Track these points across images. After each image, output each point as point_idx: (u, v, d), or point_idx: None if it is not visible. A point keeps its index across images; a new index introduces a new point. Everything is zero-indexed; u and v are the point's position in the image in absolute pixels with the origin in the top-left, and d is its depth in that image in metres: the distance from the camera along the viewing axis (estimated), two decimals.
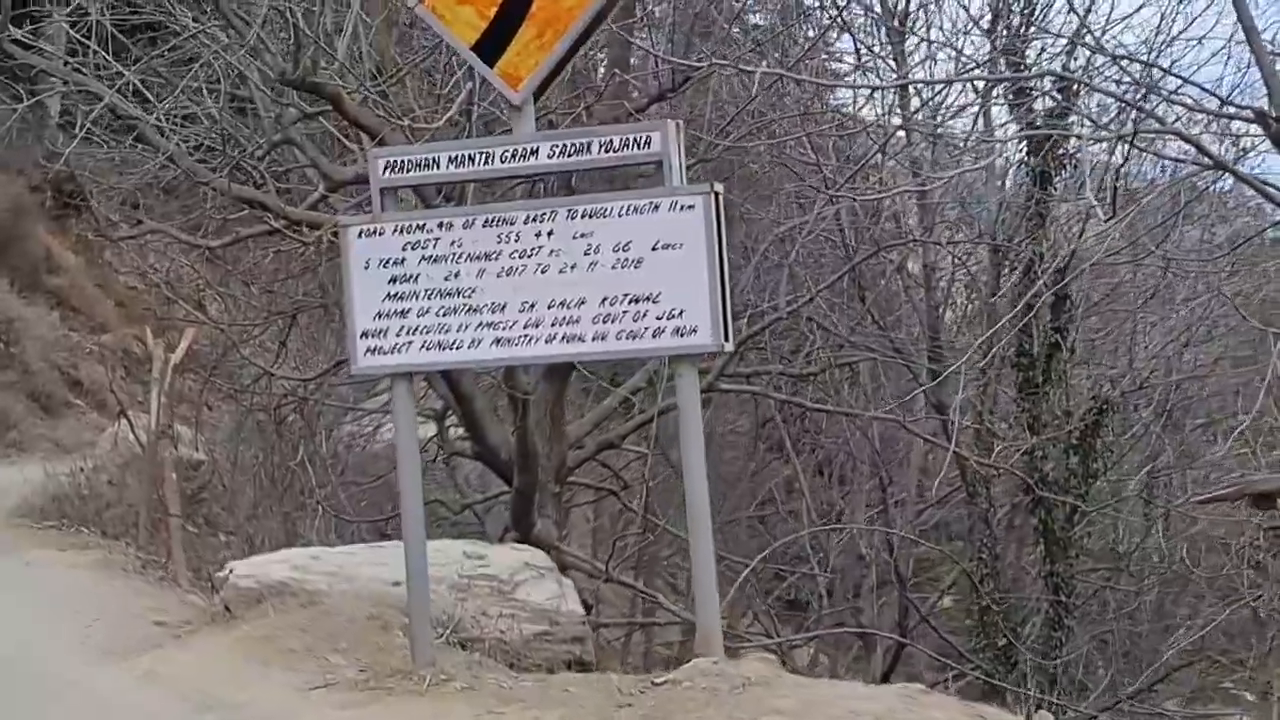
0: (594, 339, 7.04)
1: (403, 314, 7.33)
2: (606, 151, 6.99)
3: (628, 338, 6.99)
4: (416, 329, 7.31)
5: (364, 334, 7.41)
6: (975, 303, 22.41)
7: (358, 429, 21.74)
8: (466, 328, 7.23)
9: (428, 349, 7.30)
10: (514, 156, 7.14)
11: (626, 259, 6.97)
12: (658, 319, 6.93)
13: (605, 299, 7.00)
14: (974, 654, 20.30)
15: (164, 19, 14.54)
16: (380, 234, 7.36)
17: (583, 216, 7.05)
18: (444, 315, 7.26)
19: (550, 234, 7.09)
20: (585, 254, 7.04)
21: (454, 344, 7.26)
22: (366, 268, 7.39)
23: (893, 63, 20.08)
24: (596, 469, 18.17)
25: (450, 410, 16.20)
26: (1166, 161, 16.54)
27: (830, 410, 19.61)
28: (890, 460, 22.97)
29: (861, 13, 19.97)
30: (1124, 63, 11.29)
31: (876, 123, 19.57)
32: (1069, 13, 18.58)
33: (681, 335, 6.90)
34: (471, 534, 20.23)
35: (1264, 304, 20.98)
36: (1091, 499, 19.66)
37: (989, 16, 19.59)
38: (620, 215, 6.98)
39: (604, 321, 7.01)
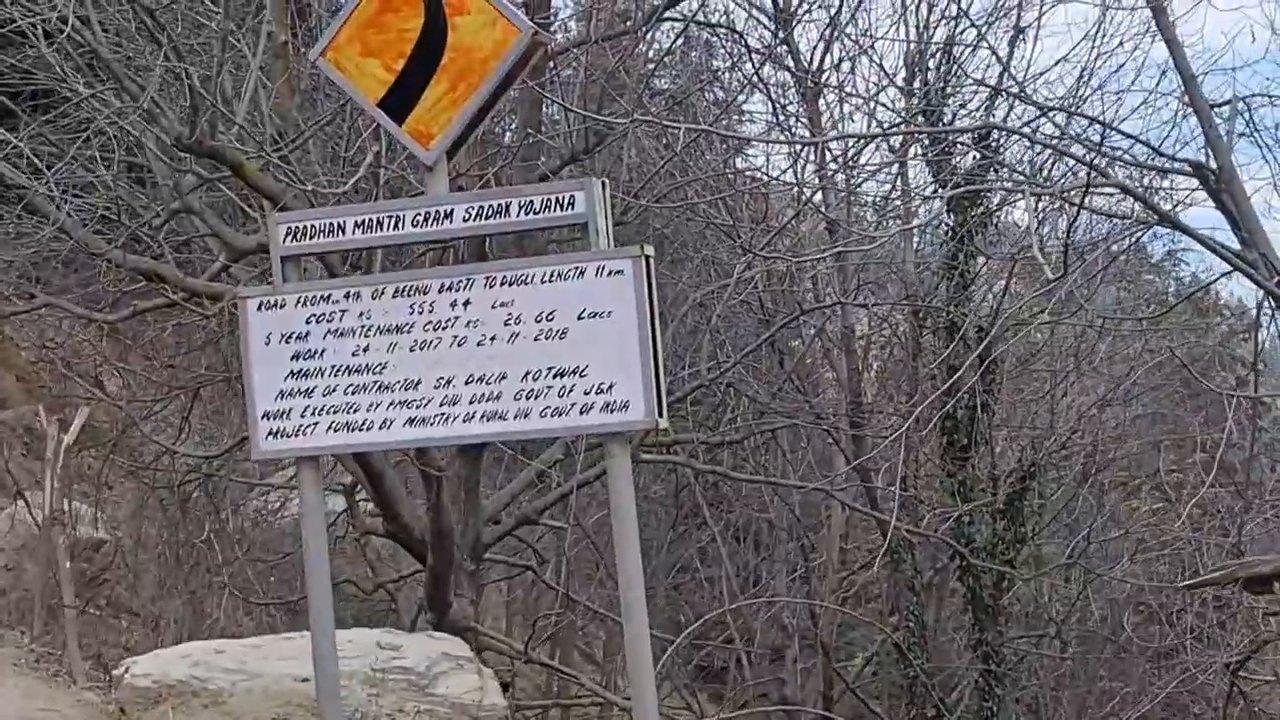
0: (516, 417, 6.47)
1: (307, 393, 6.73)
2: (526, 213, 6.45)
3: (553, 415, 6.42)
4: (323, 409, 6.71)
5: (265, 415, 6.80)
6: (896, 364, 22.04)
7: (264, 504, 21.14)
8: (377, 407, 6.64)
9: (335, 430, 6.70)
10: (427, 220, 6.58)
11: (550, 330, 6.42)
12: (585, 394, 6.38)
13: (528, 373, 6.44)
14: None
15: (55, 85, 13.90)
16: (281, 306, 6.77)
17: (502, 284, 6.49)
18: (352, 394, 6.67)
19: (467, 304, 6.53)
20: (506, 324, 6.48)
21: (364, 425, 6.67)
22: (267, 343, 6.79)
23: (807, 122, 19.76)
24: (510, 541, 17.62)
25: (360, 484, 15.60)
26: (1098, 217, 16.19)
27: (757, 480, 19.14)
28: (810, 526, 22.58)
29: (773, 73, 19.65)
30: (1051, 114, 10.87)
31: (795, 184, 19.19)
32: (988, 67, 18.37)
33: (612, 411, 6.35)
34: (383, 612, 19.67)
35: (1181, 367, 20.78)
36: (1020, 565, 19.29)
37: (904, 74, 19.31)
38: (543, 282, 6.43)
39: (527, 398, 6.45)
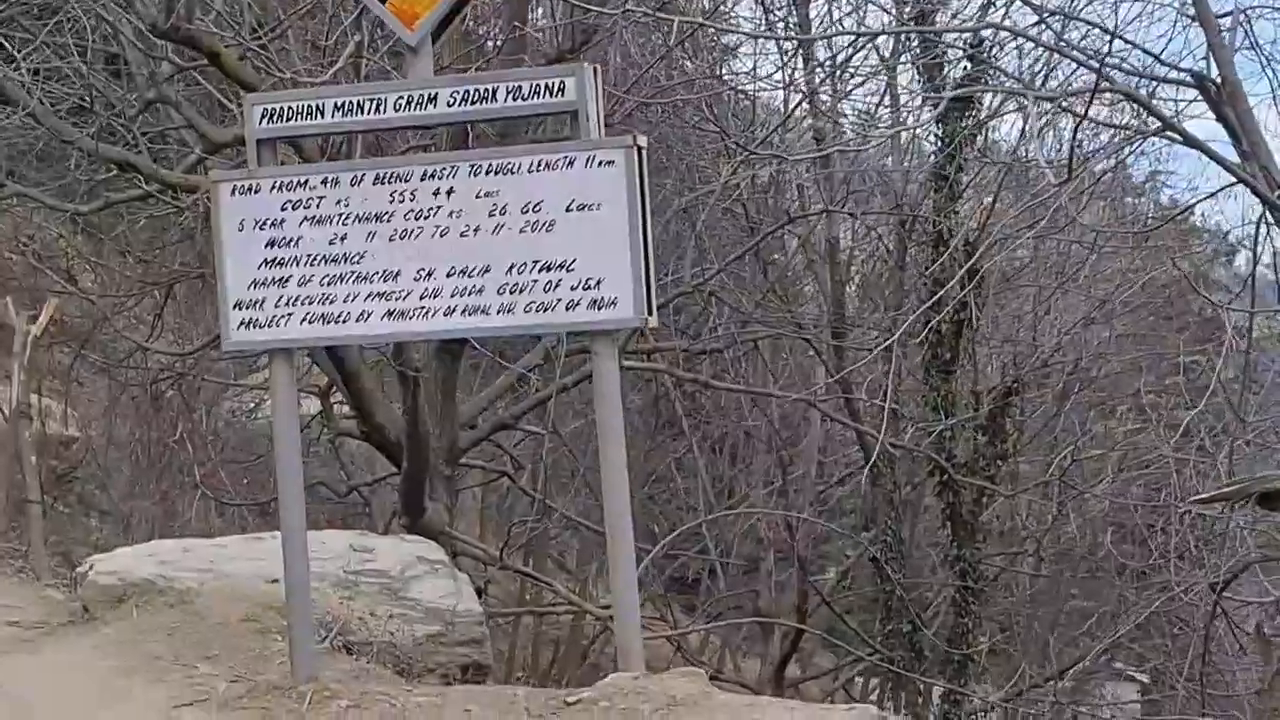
0: (499, 311, 6.20)
1: (282, 282, 6.45)
2: (515, 99, 6.16)
3: (538, 310, 6.16)
4: (297, 299, 6.43)
5: (238, 304, 6.52)
6: (881, 275, 21.77)
7: (239, 405, 20.90)
8: (354, 298, 6.36)
9: (310, 322, 6.42)
10: (409, 104, 6.28)
11: (537, 221, 6.15)
12: (572, 289, 6.11)
13: (512, 266, 6.17)
14: (878, 640, 19.76)
15: None
16: (256, 191, 6.47)
17: (487, 173, 6.21)
18: (329, 284, 6.39)
19: (450, 192, 6.25)
20: (490, 215, 6.20)
21: (340, 316, 6.39)
22: (240, 229, 6.50)
23: (797, 27, 19.37)
24: (486, 447, 17.36)
25: (335, 386, 15.30)
26: (1089, 131, 15.86)
27: (739, 390, 18.89)
28: (788, 439, 22.36)
29: None
30: (1049, 19, 10.53)
31: (782, 86, 18.82)
32: None
33: (599, 308, 6.09)
34: (357, 516, 19.45)
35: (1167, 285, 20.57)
36: (999, 482, 19.11)
37: None
38: (530, 171, 6.15)
39: (511, 292, 6.18)
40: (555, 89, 6.10)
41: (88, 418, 18.64)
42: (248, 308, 6.50)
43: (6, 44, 13.33)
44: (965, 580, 18.82)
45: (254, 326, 6.49)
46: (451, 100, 6.23)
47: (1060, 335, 19.93)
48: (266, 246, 6.46)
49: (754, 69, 21.50)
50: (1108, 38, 10.97)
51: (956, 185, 18.61)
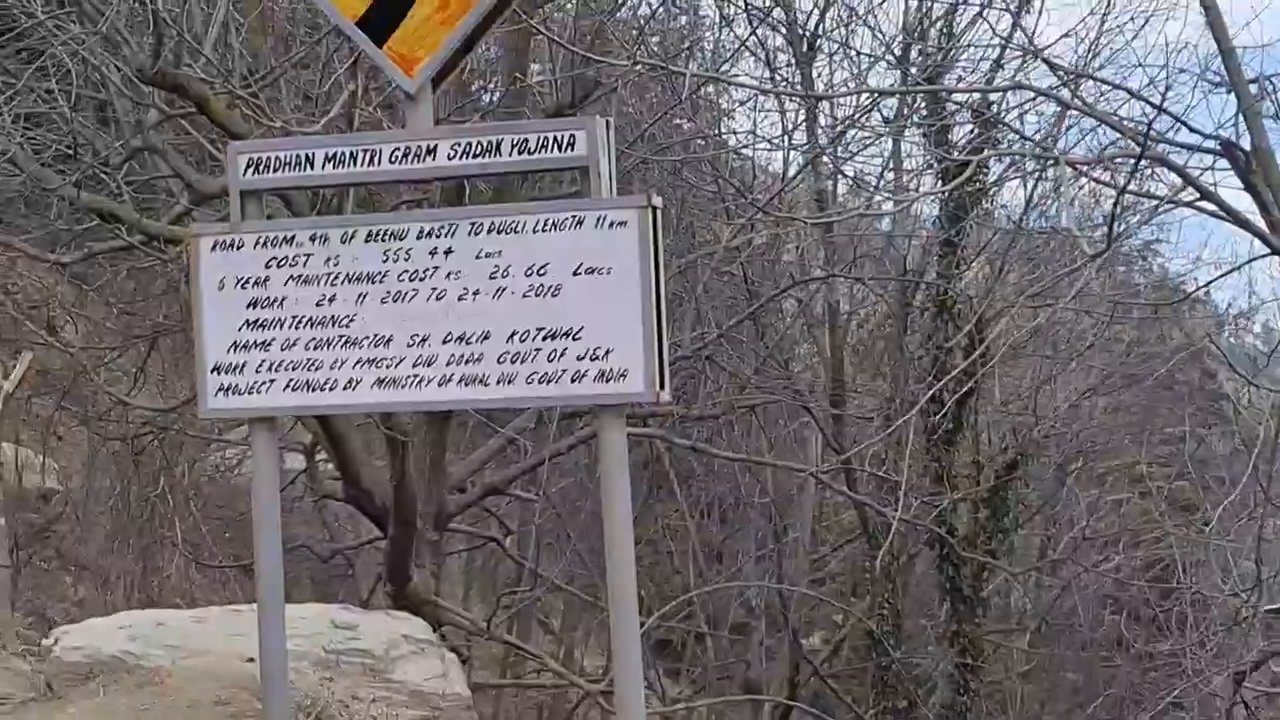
0: (499, 382, 5.72)
1: (264, 345, 5.97)
2: (521, 153, 5.70)
3: (541, 381, 5.68)
4: (281, 364, 5.95)
5: (216, 368, 6.03)
6: (879, 342, 21.38)
7: (221, 460, 20.48)
8: (342, 364, 5.88)
9: (294, 389, 5.94)
10: (406, 156, 5.81)
11: (542, 285, 5.67)
12: (579, 359, 5.64)
13: (514, 334, 5.70)
14: (872, 715, 19.31)
15: (12, 7, 13.09)
16: (239, 246, 6.00)
17: (489, 231, 5.74)
18: (315, 349, 5.91)
19: (449, 252, 5.78)
20: (491, 278, 5.73)
21: (326, 384, 5.91)
22: (221, 288, 6.02)
23: (799, 88, 19.01)
24: (473, 508, 16.90)
25: (320, 445, 14.84)
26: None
27: (738, 459, 18.44)
28: (778, 503, 21.94)
29: (766, 36, 18.85)
30: (1070, 82, 10.08)
31: (782, 146, 18.44)
32: (989, 43, 17.64)
33: (607, 380, 5.61)
34: (340, 579, 18.99)
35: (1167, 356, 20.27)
36: (1000, 555, 18.67)
37: (900, 43, 18.56)
38: (535, 231, 5.68)
39: (512, 361, 5.70)
40: (565, 143, 5.65)
41: (68, 470, 18.26)
42: (227, 372, 6.02)
43: None
44: (964, 656, 18.36)
45: (233, 393, 6.01)
46: (452, 153, 5.77)
47: (1064, 406, 19.52)
48: (249, 307, 5.98)
49: (754, 128, 21.13)
50: (1127, 98, 10.59)
51: (961, 251, 18.23)
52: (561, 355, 5.65)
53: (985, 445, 19.39)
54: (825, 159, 18.72)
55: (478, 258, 5.74)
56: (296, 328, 5.93)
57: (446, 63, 5.93)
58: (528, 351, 5.68)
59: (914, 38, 18.23)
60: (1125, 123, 10.65)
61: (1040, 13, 17.41)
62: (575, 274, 5.63)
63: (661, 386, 5.59)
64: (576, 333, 5.64)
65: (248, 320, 5.98)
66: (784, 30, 18.80)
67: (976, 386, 18.05)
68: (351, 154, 5.89)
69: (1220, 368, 24.88)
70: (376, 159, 5.86)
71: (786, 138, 19.11)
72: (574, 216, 5.65)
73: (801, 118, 18.69)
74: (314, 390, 5.92)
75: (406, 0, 5.85)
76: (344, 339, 5.88)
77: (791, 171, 18.48)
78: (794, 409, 20.25)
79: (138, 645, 7.96)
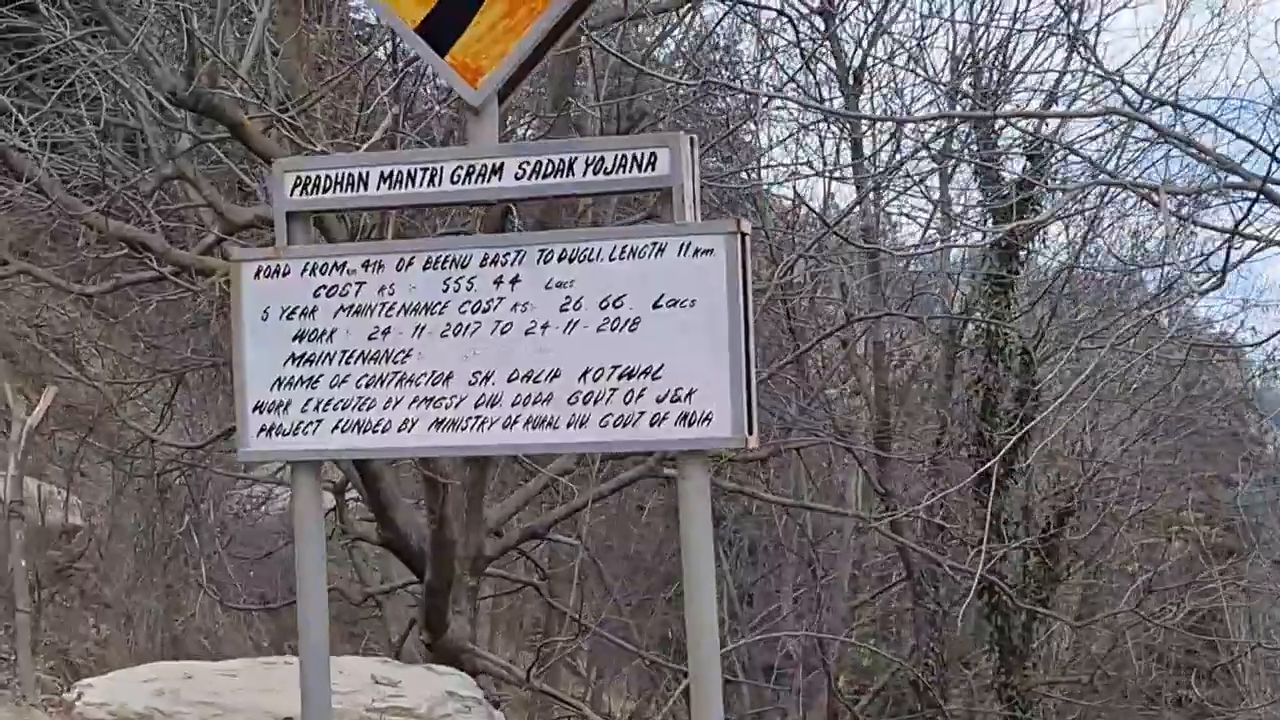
0: (570, 425, 5.18)
1: (311, 382, 5.44)
2: (596, 172, 5.17)
3: (617, 425, 5.14)
4: (329, 403, 5.41)
5: (258, 407, 5.49)
6: (927, 383, 20.82)
7: (248, 497, 20.01)
8: (397, 404, 5.35)
9: (343, 430, 5.40)
10: (470, 175, 5.28)
11: (618, 319, 5.14)
12: (658, 401, 5.10)
13: (587, 371, 5.16)
14: None
15: (33, 25, 12.65)
16: (284, 274, 5.47)
17: (560, 259, 5.21)
18: (367, 386, 5.38)
19: (515, 281, 5.25)
20: (562, 310, 5.20)
21: (379, 425, 5.37)
22: (265, 318, 5.49)
23: (846, 125, 18.55)
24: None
25: (352, 483, 14.31)
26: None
27: (788, 503, 17.89)
28: (821, 549, 21.43)
29: (811, 71, 18.37)
30: (1150, 109, 9.53)
31: (839, 177, 17.97)
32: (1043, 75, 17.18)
33: (690, 424, 5.07)
34: (368, 620, 18.48)
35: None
36: (1054, 606, 18.08)
37: (949, 77, 18.08)
38: (611, 259, 5.16)
39: (584, 402, 5.16)
40: (645, 162, 5.12)
41: (91, 507, 17.80)
42: (270, 411, 5.48)
43: (17, 113, 12.42)
44: (1012, 709, 17.76)
45: (276, 433, 5.48)
46: (520, 172, 5.24)
47: (1117, 452, 18.93)
48: (295, 339, 5.46)
49: (794, 161, 20.64)
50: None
51: (1013, 289, 17.71)
52: (639, 396, 5.13)
53: (1035, 491, 18.79)
54: (869, 196, 18.23)
55: (547, 287, 5.22)
56: (347, 363, 5.41)
57: (513, 74, 5.42)
58: (602, 391, 5.16)
59: (964, 69, 17.75)
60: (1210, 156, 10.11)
61: (1095, 45, 16.86)
62: (655, 306, 5.11)
63: (750, 431, 5.06)
64: (656, 371, 5.11)
65: (293, 354, 5.46)
66: (830, 64, 18.34)
67: (1029, 430, 17.46)
68: (409, 173, 5.36)
69: (1249, 412, 24.43)
70: (437, 179, 5.34)
71: (827, 171, 18.65)
72: (654, 243, 5.12)
73: (846, 155, 18.26)
74: (365, 432, 5.40)
75: (471, 6, 5.33)
76: (399, 376, 5.36)
77: (849, 210, 17.99)
78: (835, 451, 19.73)
79: (165, 701, 7.43)
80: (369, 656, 9.57)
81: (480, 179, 5.29)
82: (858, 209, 17.91)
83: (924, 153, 16.10)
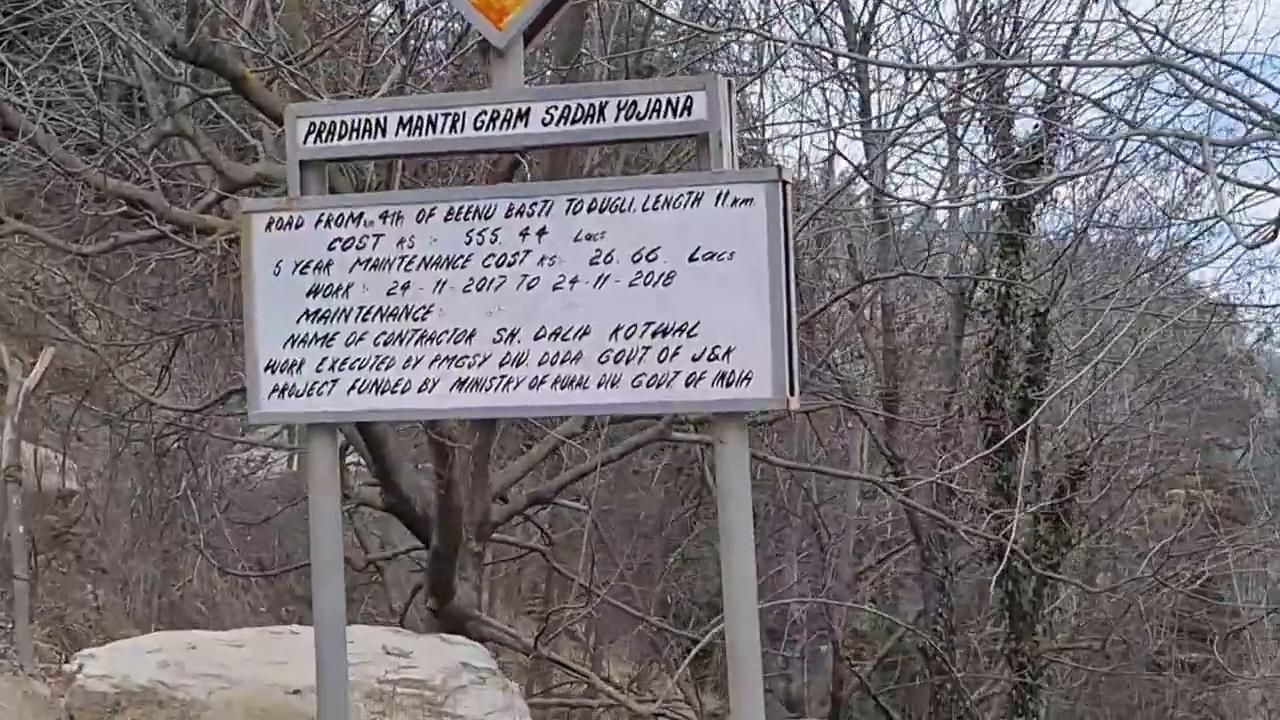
0: (601, 385, 4.90)
1: (326, 340, 5.15)
2: (628, 117, 4.87)
3: (650, 385, 4.86)
4: (345, 362, 5.13)
5: (270, 366, 5.21)
6: (931, 345, 20.56)
7: (245, 460, 19.76)
8: (417, 363, 5.06)
9: (360, 391, 5.11)
10: (494, 121, 4.99)
11: (652, 273, 4.86)
12: (694, 359, 4.82)
13: (619, 329, 4.88)
14: None
15: None
16: (298, 225, 5.18)
17: (590, 210, 4.92)
18: (385, 344, 5.09)
19: (542, 233, 4.96)
20: (591, 264, 4.91)
21: (398, 385, 5.09)
22: (277, 273, 5.20)
23: (855, 83, 18.25)
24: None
25: (352, 446, 14.00)
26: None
27: (804, 468, 17.61)
28: (826, 514, 21.22)
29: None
30: (1191, 59, 9.18)
31: (846, 132, 17.68)
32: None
33: (728, 384, 4.79)
34: (367, 586, 18.22)
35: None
36: (1063, 571, 17.83)
37: (958, 35, 17.77)
38: (645, 210, 4.87)
39: (616, 361, 4.88)
40: (680, 106, 4.83)
41: (88, 471, 17.56)
42: (283, 370, 5.20)
43: (11, 68, 12.10)
44: (1023, 675, 17.52)
45: (290, 394, 5.19)
46: (548, 118, 4.95)
47: (1126, 415, 18.66)
48: (309, 295, 5.17)
49: (801, 118, 20.37)
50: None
51: (1024, 250, 17.40)
52: (674, 354, 4.85)
53: (1045, 456, 18.52)
54: (881, 155, 17.92)
55: (576, 240, 4.94)
56: (364, 320, 5.13)
57: (539, 13, 5.12)
58: (634, 350, 4.88)
59: (974, 25, 17.45)
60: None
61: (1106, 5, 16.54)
62: (691, 260, 4.83)
63: (792, 391, 4.78)
64: (692, 328, 4.83)
65: (307, 311, 5.18)
66: (839, 22, 18.04)
67: (1040, 392, 17.21)
68: (429, 119, 5.07)
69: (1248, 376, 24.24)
70: (459, 124, 5.05)
71: (839, 126, 18.36)
72: (690, 192, 4.84)
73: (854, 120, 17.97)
74: (384, 392, 5.12)
75: None
76: (419, 333, 5.08)
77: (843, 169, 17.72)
78: (841, 414, 19.48)
79: (169, 674, 7.15)
80: (378, 626, 9.29)
81: (505, 125, 5.00)
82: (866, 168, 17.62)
83: (938, 110, 15.77)
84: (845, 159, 18.61)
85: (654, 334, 4.86)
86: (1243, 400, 25.11)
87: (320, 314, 5.16)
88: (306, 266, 5.18)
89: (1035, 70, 13.24)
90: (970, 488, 18.17)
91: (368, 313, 5.12)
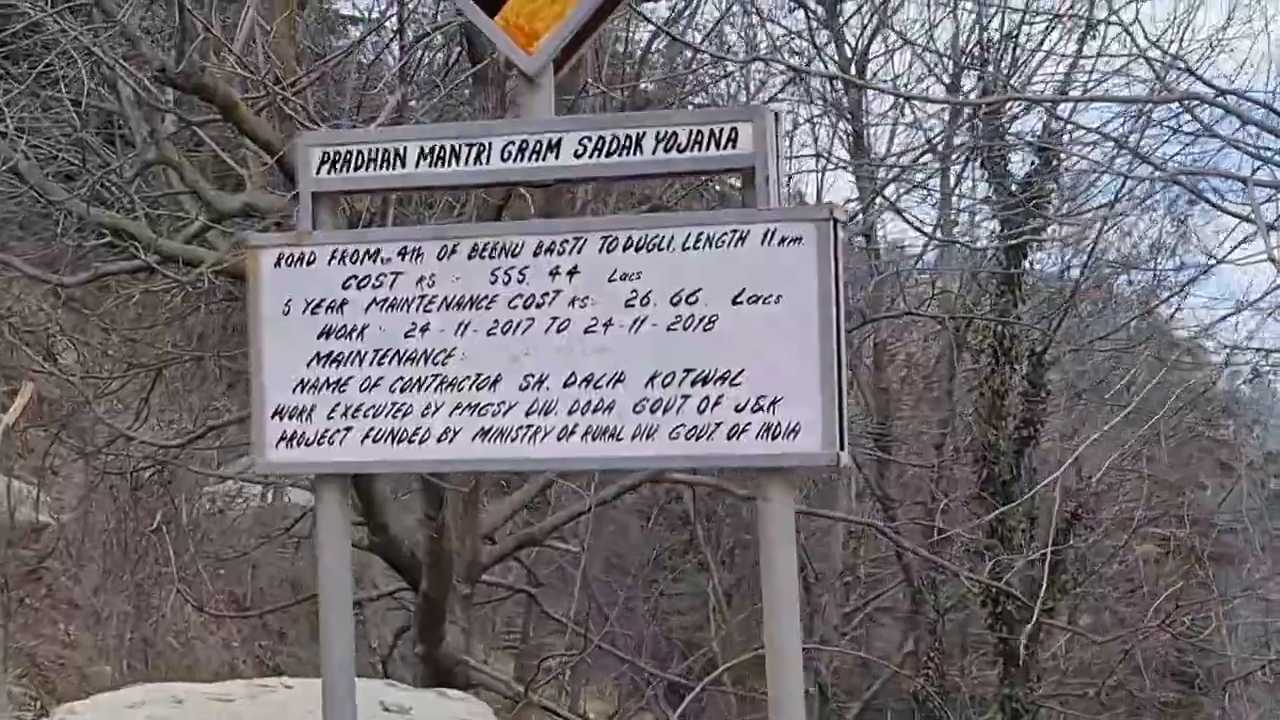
0: (636, 437, 4.55)
1: (339, 385, 4.80)
2: (668, 149, 4.54)
3: (689, 437, 4.51)
4: (359, 409, 4.77)
5: (278, 412, 4.84)
6: (925, 384, 20.29)
7: (218, 492, 19.40)
8: (437, 410, 4.71)
9: (375, 440, 4.75)
10: (524, 152, 4.65)
11: (692, 316, 4.53)
12: (737, 410, 4.48)
13: (656, 376, 4.54)
14: None
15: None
16: (310, 262, 4.83)
17: (626, 248, 4.58)
18: (402, 389, 4.74)
19: (574, 273, 4.62)
20: (628, 306, 4.57)
21: (416, 434, 4.72)
22: (286, 312, 4.84)
23: (849, 115, 18.02)
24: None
25: None
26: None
27: (798, 510, 17.28)
28: (812, 554, 20.88)
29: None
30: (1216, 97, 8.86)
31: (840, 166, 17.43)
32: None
33: (775, 437, 4.45)
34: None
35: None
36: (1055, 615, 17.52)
37: (951, 70, 17.58)
38: (685, 248, 4.53)
39: (652, 410, 4.54)
40: (725, 138, 4.50)
41: (61, 504, 17.26)
42: (292, 417, 4.84)
43: None
44: None
45: (299, 443, 4.83)
46: (581, 149, 4.61)
47: (1124, 456, 18.37)
48: (321, 336, 4.82)
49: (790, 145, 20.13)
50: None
51: (1020, 289, 17.15)
52: (716, 404, 4.52)
53: (1038, 498, 18.24)
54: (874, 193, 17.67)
55: (611, 280, 4.60)
56: (380, 363, 4.78)
57: (572, 39, 4.79)
58: (673, 399, 4.54)
59: (970, 60, 17.24)
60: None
61: (1103, 40, 16.36)
62: (735, 302, 4.51)
63: (842, 446, 4.44)
64: (735, 376, 4.50)
65: (319, 353, 4.83)
66: (834, 59, 17.80)
67: (1036, 433, 16.95)
68: (454, 149, 4.73)
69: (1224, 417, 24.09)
70: (485, 156, 4.71)
71: (829, 164, 18.11)
72: (734, 230, 4.51)
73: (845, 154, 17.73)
74: (400, 442, 4.77)
75: None
76: (439, 379, 4.73)
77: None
78: None
79: None
80: (367, 678, 8.94)
81: (535, 156, 4.67)
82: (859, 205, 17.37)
83: (953, 141, 15.57)
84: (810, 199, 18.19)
85: (694, 382, 4.53)
86: (1229, 441, 24.96)
87: (333, 357, 4.82)
88: (318, 306, 4.83)
89: (1044, 104, 12.96)
90: (963, 529, 17.86)
91: (384, 356, 4.78)
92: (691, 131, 4.54)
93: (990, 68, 17.11)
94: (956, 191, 18.33)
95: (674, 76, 14.78)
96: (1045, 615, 17.21)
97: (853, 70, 17.71)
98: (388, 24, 12.27)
